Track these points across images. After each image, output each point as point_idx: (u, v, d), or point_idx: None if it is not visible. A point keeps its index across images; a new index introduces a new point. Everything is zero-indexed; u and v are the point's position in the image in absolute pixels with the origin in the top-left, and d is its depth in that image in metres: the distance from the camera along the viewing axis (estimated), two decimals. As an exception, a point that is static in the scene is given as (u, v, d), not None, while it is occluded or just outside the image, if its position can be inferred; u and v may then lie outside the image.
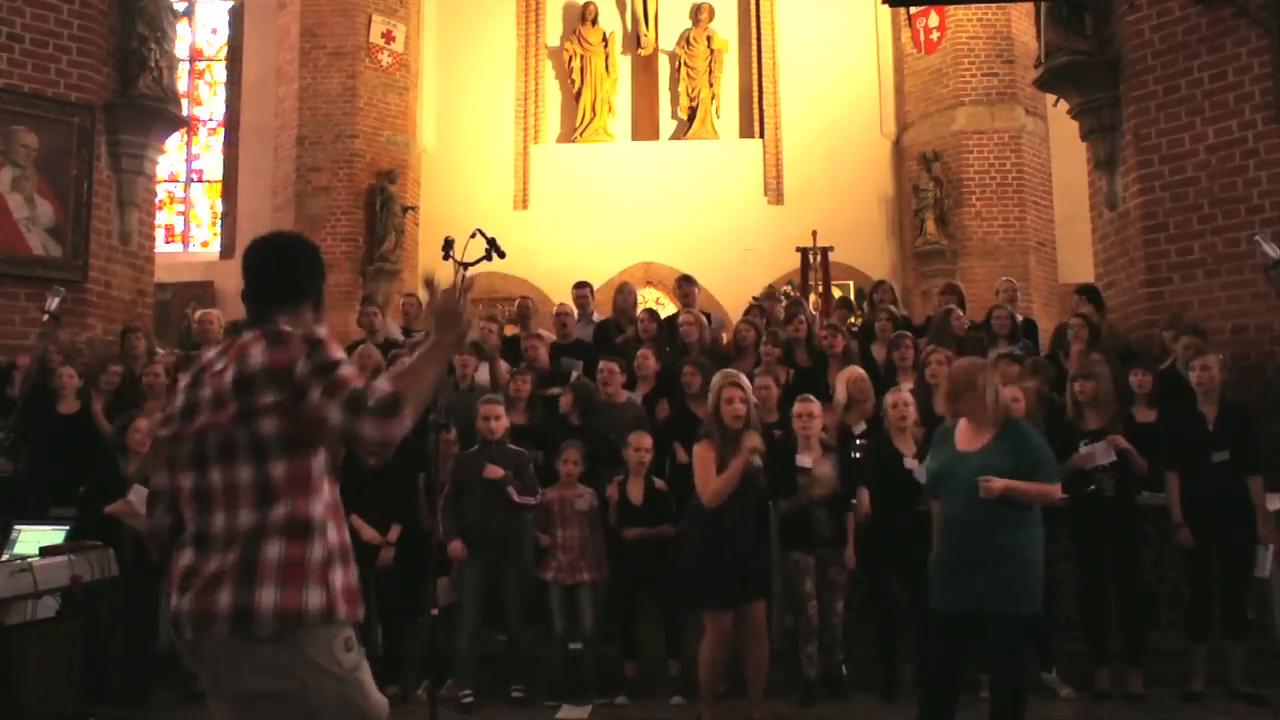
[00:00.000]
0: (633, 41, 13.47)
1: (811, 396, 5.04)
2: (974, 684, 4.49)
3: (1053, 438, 5.10)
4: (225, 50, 13.89)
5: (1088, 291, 6.96)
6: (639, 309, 7.46)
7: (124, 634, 5.10)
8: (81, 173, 6.93)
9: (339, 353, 2.00)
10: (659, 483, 5.22)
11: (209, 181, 13.94)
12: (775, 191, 13.01)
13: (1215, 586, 4.87)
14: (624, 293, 7.49)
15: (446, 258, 4.16)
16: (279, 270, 2.16)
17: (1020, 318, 7.23)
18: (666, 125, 13.44)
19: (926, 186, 12.07)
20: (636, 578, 5.12)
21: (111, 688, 4.98)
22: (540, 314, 8.03)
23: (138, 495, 5.05)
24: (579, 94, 13.26)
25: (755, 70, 13.32)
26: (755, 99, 13.29)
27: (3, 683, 4.18)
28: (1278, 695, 4.75)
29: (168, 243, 13.34)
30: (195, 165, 14.09)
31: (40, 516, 4.95)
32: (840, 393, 5.51)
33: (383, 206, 12.05)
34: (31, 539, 4.60)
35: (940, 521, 3.87)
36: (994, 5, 11.47)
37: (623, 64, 13.48)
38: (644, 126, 13.40)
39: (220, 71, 13.99)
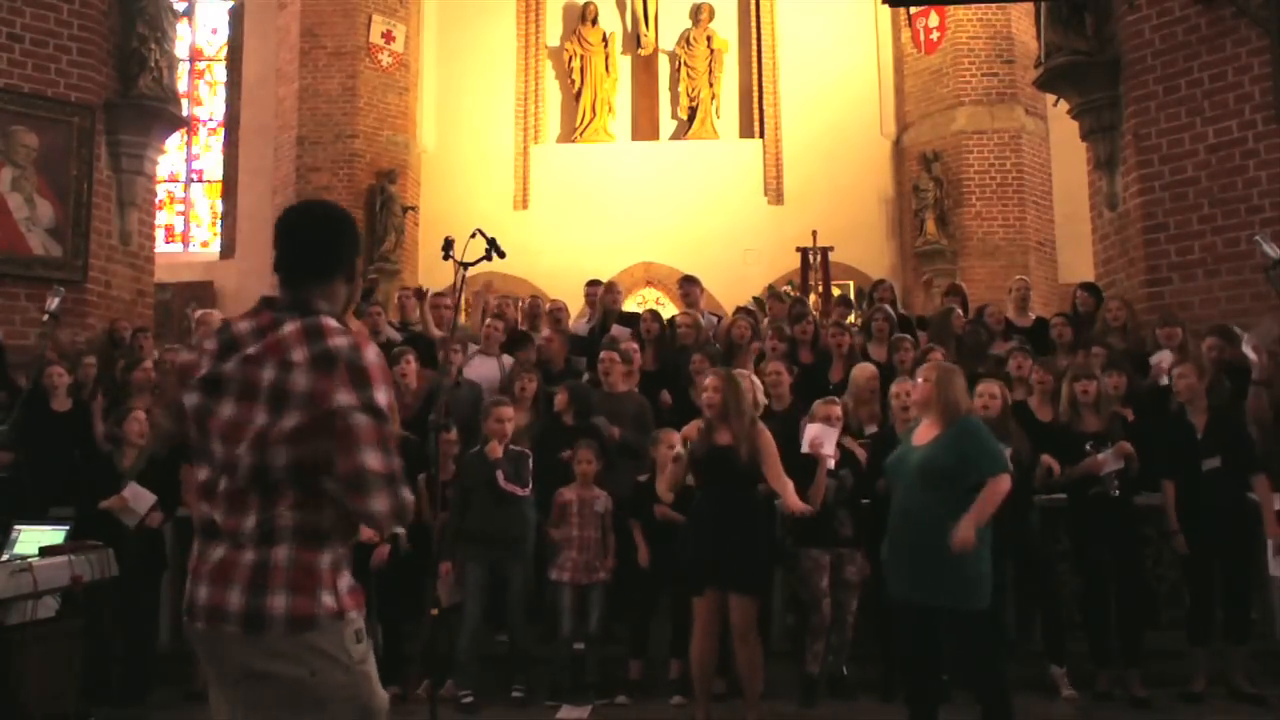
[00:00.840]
0: (633, 41, 13.48)
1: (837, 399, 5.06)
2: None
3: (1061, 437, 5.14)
4: (225, 50, 13.89)
5: (1090, 289, 6.95)
6: (643, 309, 7.51)
7: (124, 634, 5.10)
8: (81, 173, 6.94)
9: (381, 393, 1.95)
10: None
11: (209, 181, 13.94)
12: (775, 191, 13.02)
13: (1217, 592, 4.86)
14: (612, 292, 7.53)
15: (446, 258, 4.17)
16: (315, 242, 2.10)
17: (1034, 315, 7.29)
18: (666, 125, 13.44)
19: (926, 186, 12.08)
20: (654, 577, 5.11)
21: (111, 688, 4.98)
22: (545, 313, 8.03)
23: (132, 492, 5.05)
24: (579, 94, 13.27)
25: (755, 70, 13.33)
26: (755, 99, 13.30)
27: (3, 683, 4.17)
28: (1278, 695, 4.76)
29: (168, 243, 13.34)
30: (195, 165, 14.09)
31: (40, 516, 4.95)
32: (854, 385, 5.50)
33: (383, 206, 12.06)
34: (31, 539, 4.59)
35: (891, 513, 3.97)
36: (994, 5, 11.48)
37: (623, 64, 13.49)
38: (644, 126, 13.40)
39: (220, 71, 13.99)
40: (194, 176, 14.06)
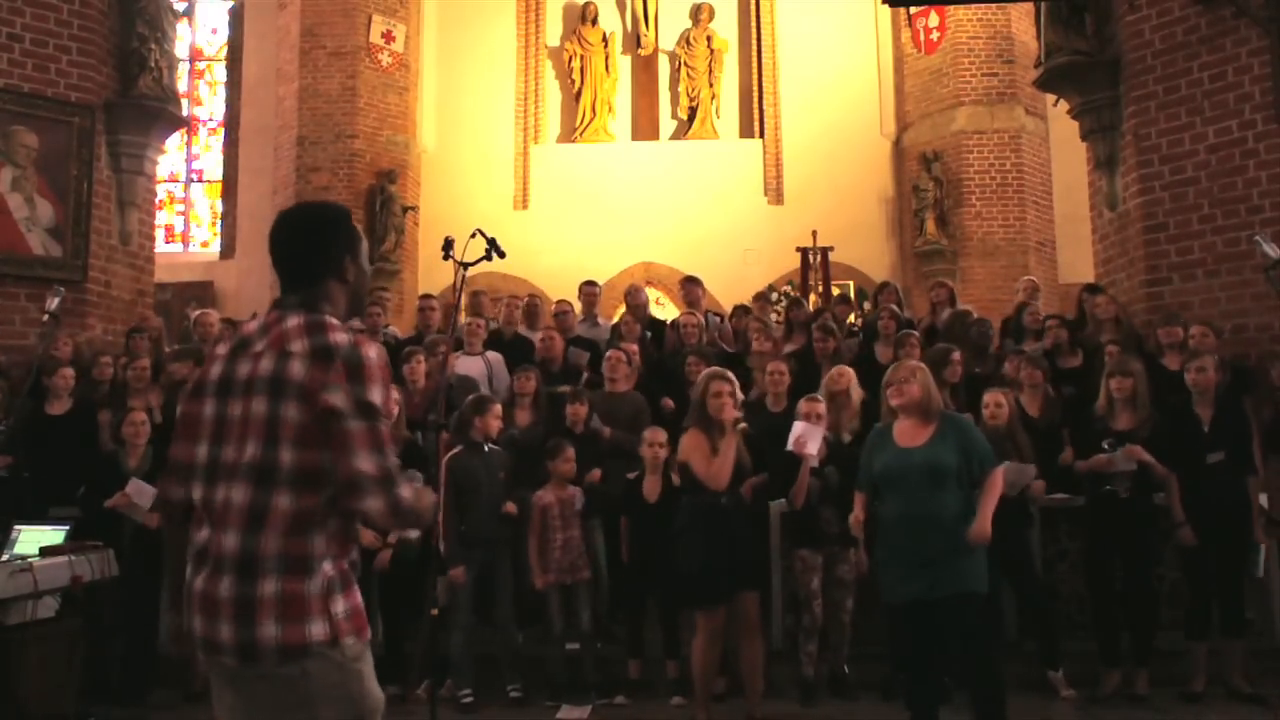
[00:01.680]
0: (633, 41, 13.47)
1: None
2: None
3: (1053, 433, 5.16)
4: (225, 50, 13.89)
5: (1093, 290, 6.93)
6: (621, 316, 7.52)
7: (124, 634, 5.10)
8: (81, 173, 6.93)
9: (376, 391, 1.97)
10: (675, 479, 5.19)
11: (209, 181, 13.94)
12: (775, 191, 13.01)
13: (1214, 586, 4.87)
14: (634, 294, 7.52)
15: (447, 258, 4.16)
16: (301, 247, 2.13)
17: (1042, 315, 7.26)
18: (666, 125, 13.44)
19: (926, 186, 12.08)
20: (644, 576, 5.10)
21: (111, 688, 4.98)
22: (545, 313, 8.04)
23: (136, 489, 5.05)
24: (579, 94, 13.26)
25: (755, 70, 13.33)
26: (755, 99, 13.29)
27: (3, 683, 4.17)
28: (1278, 695, 4.76)
29: (168, 243, 13.35)
30: (195, 165, 14.09)
31: (40, 516, 4.95)
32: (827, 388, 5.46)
33: (383, 206, 12.05)
34: (31, 539, 4.59)
35: (888, 518, 3.93)
36: (994, 5, 11.47)
37: (623, 64, 13.48)
38: (644, 126, 13.40)
39: (220, 71, 14.00)
40: (194, 176, 14.06)
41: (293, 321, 2.02)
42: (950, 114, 12.27)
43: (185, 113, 9.71)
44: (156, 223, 8.91)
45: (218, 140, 13.89)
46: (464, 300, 6.20)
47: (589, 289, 7.67)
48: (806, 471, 4.74)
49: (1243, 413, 5.08)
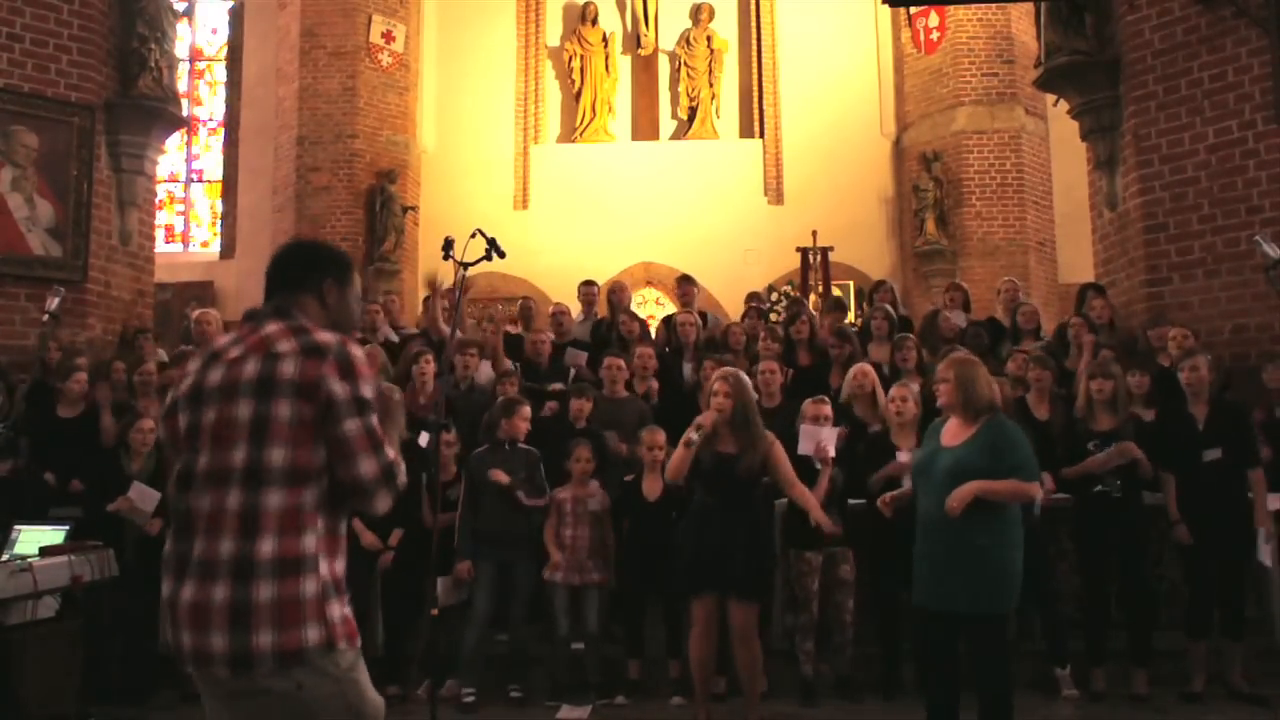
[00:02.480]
0: (633, 41, 13.48)
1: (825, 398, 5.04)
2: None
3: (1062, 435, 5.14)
4: (225, 50, 13.89)
5: (1095, 289, 6.93)
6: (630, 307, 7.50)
7: (124, 634, 5.09)
8: (81, 173, 6.93)
9: (367, 386, 2.01)
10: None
11: (209, 181, 13.94)
12: (775, 191, 13.02)
13: (1214, 585, 4.86)
14: (619, 292, 7.51)
15: (447, 258, 4.17)
16: (290, 261, 2.21)
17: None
18: (666, 125, 13.44)
19: (926, 186, 12.07)
20: (644, 576, 5.10)
21: (111, 688, 4.98)
22: (540, 314, 8.04)
23: (138, 492, 5.06)
24: (579, 94, 13.26)
25: (755, 70, 13.33)
26: (755, 99, 13.29)
27: (3, 683, 4.17)
28: (1278, 695, 4.75)
29: (168, 243, 13.35)
30: (195, 165, 14.09)
31: (40, 516, 4.94)
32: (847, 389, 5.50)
33: (383, 206, 12.06)
34: (31, 539, 4.60)
35: (918, 516, 3.85)
36: (994, 5, 11.47)
37: (623, 64, 13.48)
38: (644, 126, 13.40)
39: (220, 71, 13.99)
40: (194, 176, 14.06)
41: (272, 327, 2.05)
42: (950, 114, 12.27)
43: (185, 113, 9.71)
44: (156, 223, 8.91)
45: (218, 140, 13.89)
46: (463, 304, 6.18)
47: (588, 289, 7.68)
48: (828, 475, 4.72)
49: (1239, 407, 5.08)
